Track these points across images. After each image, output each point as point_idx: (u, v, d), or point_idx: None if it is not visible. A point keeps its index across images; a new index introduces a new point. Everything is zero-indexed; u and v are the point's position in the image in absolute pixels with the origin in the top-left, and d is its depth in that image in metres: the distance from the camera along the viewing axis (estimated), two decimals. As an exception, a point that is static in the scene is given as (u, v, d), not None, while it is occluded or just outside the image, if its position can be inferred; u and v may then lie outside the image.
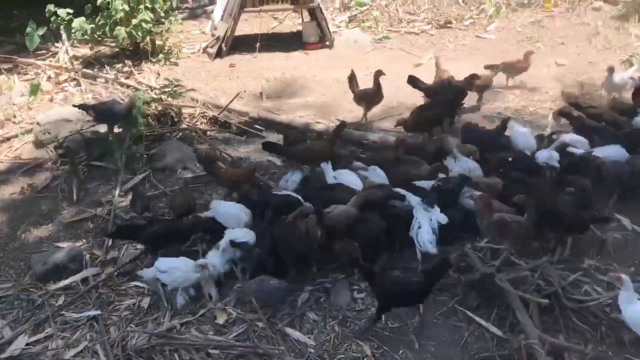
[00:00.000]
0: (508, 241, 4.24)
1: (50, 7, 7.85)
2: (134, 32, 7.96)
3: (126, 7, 7.76)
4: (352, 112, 7.00)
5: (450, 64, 8.23)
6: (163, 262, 4.17)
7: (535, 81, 7.49)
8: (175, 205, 4.98)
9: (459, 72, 7.83)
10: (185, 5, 10.24)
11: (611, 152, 5.10)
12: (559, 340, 3.68)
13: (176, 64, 8.47)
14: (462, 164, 5.11)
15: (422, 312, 3.96)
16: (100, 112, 6.12)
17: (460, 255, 4.33)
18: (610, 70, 6.54)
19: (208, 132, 6.69)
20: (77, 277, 4.52)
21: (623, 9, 9.05)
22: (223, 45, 8.57)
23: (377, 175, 5.03)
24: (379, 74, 6.43)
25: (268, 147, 5.64)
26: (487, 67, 7.23)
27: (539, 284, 4.04)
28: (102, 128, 6.27)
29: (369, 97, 6.51)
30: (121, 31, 7.82)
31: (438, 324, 3.91)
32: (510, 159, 5.25)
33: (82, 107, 6.21)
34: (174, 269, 4.10)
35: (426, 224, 4.36)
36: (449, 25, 9.64)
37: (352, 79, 6.65)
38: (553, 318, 3.86)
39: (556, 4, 9.56)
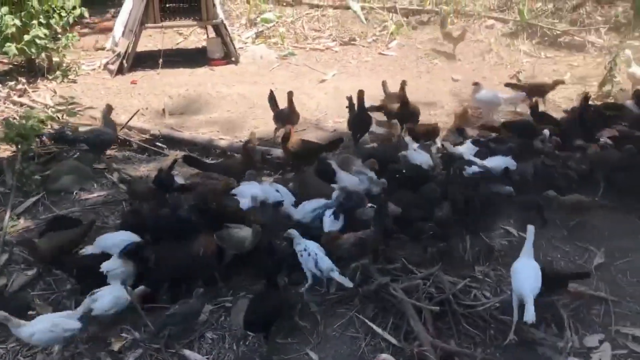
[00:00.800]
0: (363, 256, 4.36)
1: None
2: (26, 49, 7.61)
3: (17, 23, 7.42)
4: (257, 127, 7.03)
5: (352, 80, 8.49)
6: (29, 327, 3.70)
7: (432, 96, 7.81)
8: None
9: (361, 88, 8.10)
10: (87, 20, 9.90)
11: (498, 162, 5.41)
12: (450, 345, 3.85)
13: (75, 82, 8.18)
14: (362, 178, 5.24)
15: (321, 326, 4.02)
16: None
17: (358, 267, 4.44)
18: (476, 86, 6.85)
19: (107, 151, 6.49)
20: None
21: (513, 27, 9.62)
22: (124, 61, 8.37)
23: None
24: (290, 94, 6.51)
25: (189, 160, 5.69)
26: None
27: (431, 291, 4.21)
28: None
29: (284, 117, 6.54)
30: (11, 47, 7.46)
31: (337, 337, 3.97)
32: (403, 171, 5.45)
33: None
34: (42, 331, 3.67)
35: (320, 252, 4.29)
36: (353, 42, 9.88)
37: (271, 99, 6.64)
38: (446, 324, 4.02)
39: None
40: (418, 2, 10.73)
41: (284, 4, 11.05)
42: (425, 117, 7.27)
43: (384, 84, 7.12)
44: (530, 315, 3.70)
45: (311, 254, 4.22)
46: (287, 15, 10.59)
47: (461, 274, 4.44)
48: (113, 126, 6.16)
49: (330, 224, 4.64)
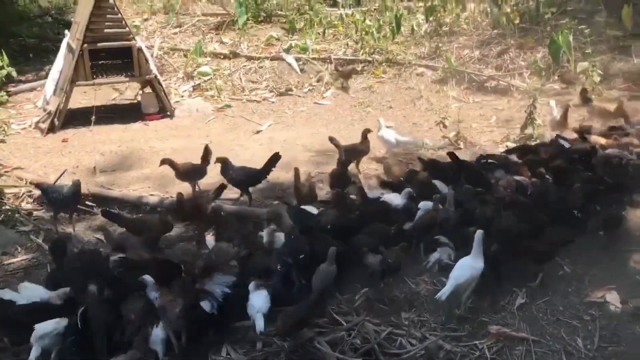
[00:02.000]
0: None
1: None
2: (-50, 110, 7.46)
3: (-60, 84, 7.29)
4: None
5: (287, 130, 8.62)
6: None
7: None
8: None
9: (295, 138, 8.24)
10: (19, 78, 9.79)
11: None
12: (376, 395, 3.85)
13: (3, 141, 8.02)
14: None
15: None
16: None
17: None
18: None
19: (34, 213, 6.34)
20: None
21: (442, 74, 10.00)
22: (55, 119, 8.28)
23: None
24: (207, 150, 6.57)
25: (107, 215, 5.70)
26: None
27: (356, 342, 4.22)
28: None
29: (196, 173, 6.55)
30: None
31: (261, 395, 3.92)
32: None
33: None
34: None
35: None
36: (289, 92, 10.06)
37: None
38: (373, 374, 4.03)
39: (385, 71, 10.35)
40: (352, 53, 11.05)
41: (222, 57, 11.21)
42: (362, 165, 7.45)
43: (331, 139, 7.17)
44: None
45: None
46: (224, 68, 10.73)
47: (387, 322, 4.49)
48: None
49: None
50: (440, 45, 10.64)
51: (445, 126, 8.05)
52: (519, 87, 9.29)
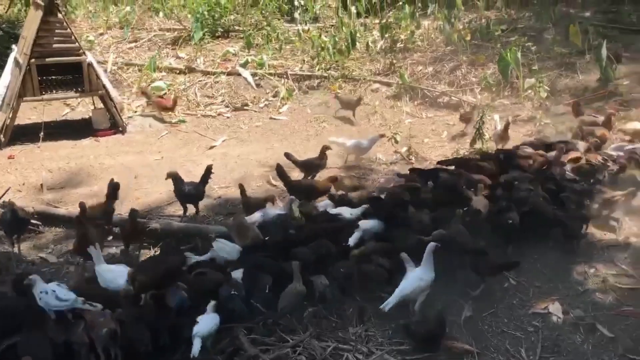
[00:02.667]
0: None
1: None
2: None
3: None
4: (139, 199, 6.91)
5: (242, 145, 8.60)
6: None
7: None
8: None
9: (250, 154, 8.22)
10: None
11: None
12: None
13: (-55, 158, 7.78)
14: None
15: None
16: None
17: (231, 338, 4.38)
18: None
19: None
20: None
21: (396, 89, 10.13)
22: (1, 136, 8.06)
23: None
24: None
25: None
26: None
27: (301, 359, 4.20)
28: None
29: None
30: None
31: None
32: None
33: None
34: None
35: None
36: (245, 107, 10.04)
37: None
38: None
39: (340, 87, 10.43)
40: (308, 68, 11.11)
41: (177, 72, 11.13)
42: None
43: (287, 155, 7.21)
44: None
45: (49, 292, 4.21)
46: (179, 82, 10.65)
47: (334, 337, 4.48)
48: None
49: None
50: (394, 61, 10.79)
51: (396, 141, 8.14)
52: (470, 103, 9.46)
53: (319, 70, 10.93)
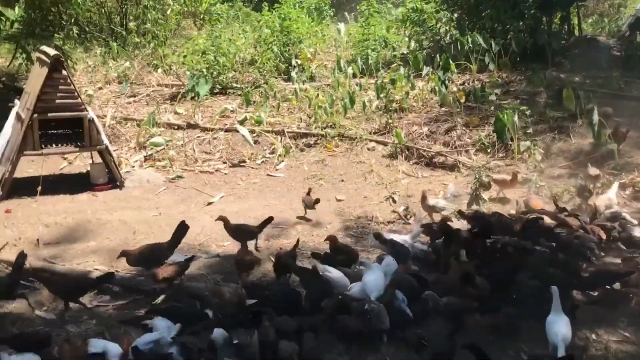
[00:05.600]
0: None
1: None
2: None
3: None
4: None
5: (239, 202, 8.62)
6: None
7: (318, 215, 8.02)
8: None
9: (247, 210, 8.23)
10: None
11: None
12: None
13: (-58, 212, 7.72)
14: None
15: None
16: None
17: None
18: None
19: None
20: None
21: (392, 149, 10.27)
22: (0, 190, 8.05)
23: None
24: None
25: None
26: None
27: None
28: None
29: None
30: None
31: None
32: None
33: None
34: None
35: None
36: (242, 164, 10.12)
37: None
38: None
39: (337, 145, 10.57)
40: (305, 126, 11.28)
41: (175, 127, 11.25)
42: (309, 237, 7.47)
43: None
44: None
45: None
46: (177, 138, 10.75)
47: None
48: None
49: None
50: (390, 121, 10.98)
51: (394, 201, 8.20)
52: (466, 164, 9.60)
53: (315, 128, 11.09)
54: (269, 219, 7.03)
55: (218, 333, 4.76)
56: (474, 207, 7.86)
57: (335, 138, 10.70)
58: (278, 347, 4.58)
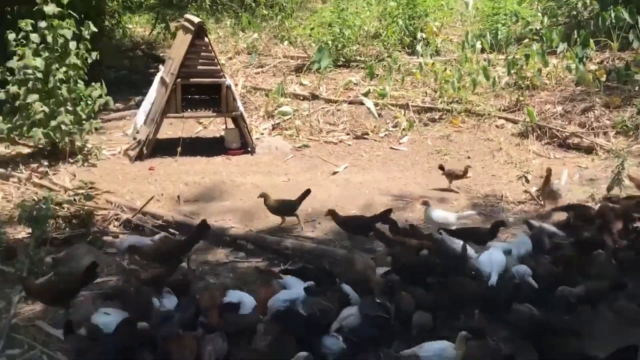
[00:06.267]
0: None
1: (-32, 106, 7.80)
2: (52, 134, 7.94)
3: (46, 109, 7.78)
4: (268, 217, 7.15)
5: (363, 173, 8.70)
6: None
7: (442, 193, 7.93)
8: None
9: (371, 182, 8.30)
10: (111, 107, 10.29)
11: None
12: None
13: (94, 166, 8.44)
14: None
15: None
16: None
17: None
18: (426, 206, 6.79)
19: (120, 235, 6.61)
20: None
21: (523, 127, 9.87)
22: (144, 148, 8.66)
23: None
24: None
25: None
26: None
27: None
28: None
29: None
30: (38, 132, 7.79)
31: None
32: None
33: None
34: None
35: None
36: (365, 136, 10.17)
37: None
38: None
39: (463, 121, 10.32)
40: (429, 101, 11.10)
41: (301, 98, 11.50)
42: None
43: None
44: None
45: None
46: (303, 109, 10.98)
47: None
48: None
49: None
50: (521, 98, 10.54)
51: (527, 181, 7.90)
52: (604, 146, 9.04)
53: (441, 103, 10.89)
54: (307, 192, 6.93)
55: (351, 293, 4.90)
56: (614, 192, 7.39)
57: (462, 113, 10.45)
58: (413, 317, 4.61)
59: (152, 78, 10.04)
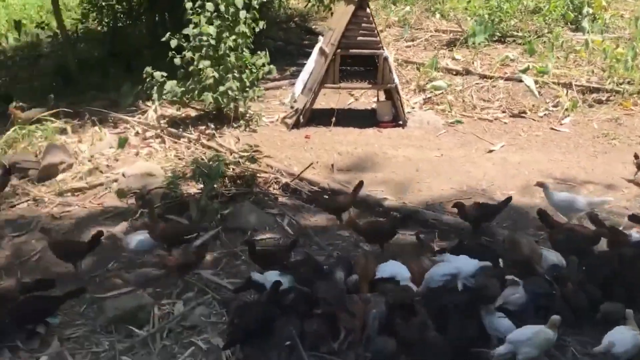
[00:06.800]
0: None
1: (148, 69, 8.49)
2: (220, 98, 8.45)
3: (216, 75, 8.28)
4: (420, 191, 7.11)
5: (522, 153, 8.33)
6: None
7: (610, 179, 7.39)
8: None
9: (531, 162, 7.92)
10: (271, 76, 10.68)
11: None
12: None
13: (255, 131, 8.87)
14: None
15: None
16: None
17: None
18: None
19: (279, 198, 6.93)
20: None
21: None
22: (301, 117, 8.94)
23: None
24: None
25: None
26: None
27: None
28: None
29: None
30: (208, 97, 8.33)
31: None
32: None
33: None
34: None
35: None
36: (522, 115, 9.69)
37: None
38: None
39: (635, 103, 9.48)
40: (596, 80, 10.32)
41: (454, 72, 11.20)
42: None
43: None
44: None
45: None
46: (455, 84, 10.69)
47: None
48: None
49: None
50: None
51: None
52: None
53: (610, 83, 10.06)
54: (360, 184, 6.58)
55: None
56: None
57: (634, 95, 9.60)
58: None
59: (306, 50, 10.29)
